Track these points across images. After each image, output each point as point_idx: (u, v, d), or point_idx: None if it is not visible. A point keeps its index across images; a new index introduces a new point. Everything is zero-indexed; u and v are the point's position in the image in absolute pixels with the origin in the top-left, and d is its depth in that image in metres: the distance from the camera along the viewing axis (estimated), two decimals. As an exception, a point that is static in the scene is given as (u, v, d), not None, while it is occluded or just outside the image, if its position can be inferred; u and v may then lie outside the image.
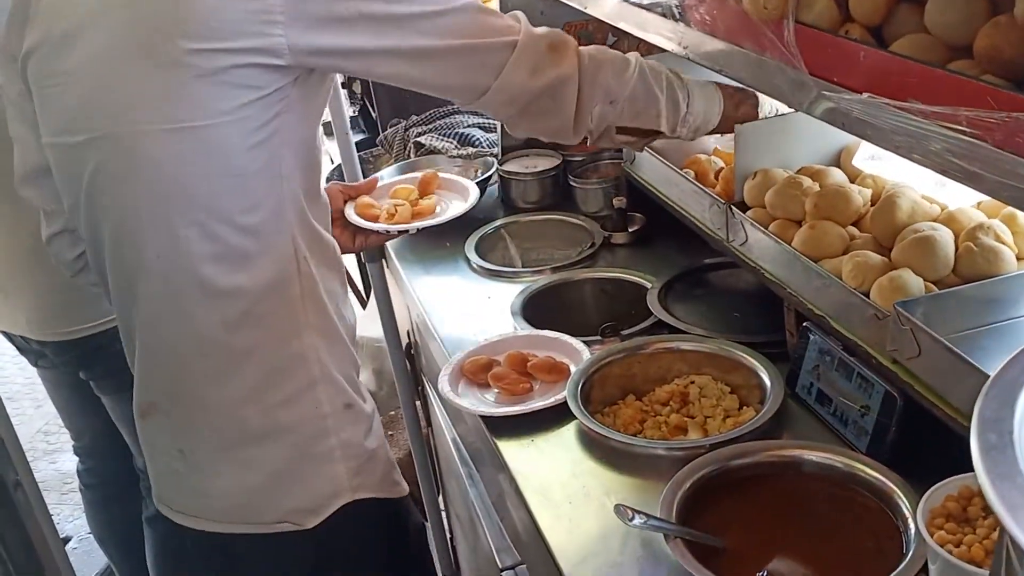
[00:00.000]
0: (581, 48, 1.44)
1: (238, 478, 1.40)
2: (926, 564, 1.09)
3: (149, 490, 2.48)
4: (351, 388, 1.45)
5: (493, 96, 1.36)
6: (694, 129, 1.56)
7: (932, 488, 1.06)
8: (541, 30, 1.40)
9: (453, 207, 1.94)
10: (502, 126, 2.43)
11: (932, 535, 1.01)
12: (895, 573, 1.12)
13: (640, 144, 1.57)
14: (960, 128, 0.93)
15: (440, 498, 2.61)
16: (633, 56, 1.48)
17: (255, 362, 1.35)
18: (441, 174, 2.06)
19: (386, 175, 2.47)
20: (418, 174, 2.01)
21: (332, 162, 2.75)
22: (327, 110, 2.51)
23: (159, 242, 1.29)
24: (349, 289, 1.57)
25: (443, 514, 2.64)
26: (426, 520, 2.69)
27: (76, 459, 2.70)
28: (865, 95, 1.06)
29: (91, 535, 2.89)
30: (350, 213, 1.78)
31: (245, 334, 1.33)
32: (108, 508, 2.65)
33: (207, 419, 1.39)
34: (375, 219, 1.78)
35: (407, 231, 1.81)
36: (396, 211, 1.81)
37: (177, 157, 1.24)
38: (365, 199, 1.80)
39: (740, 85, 1.54)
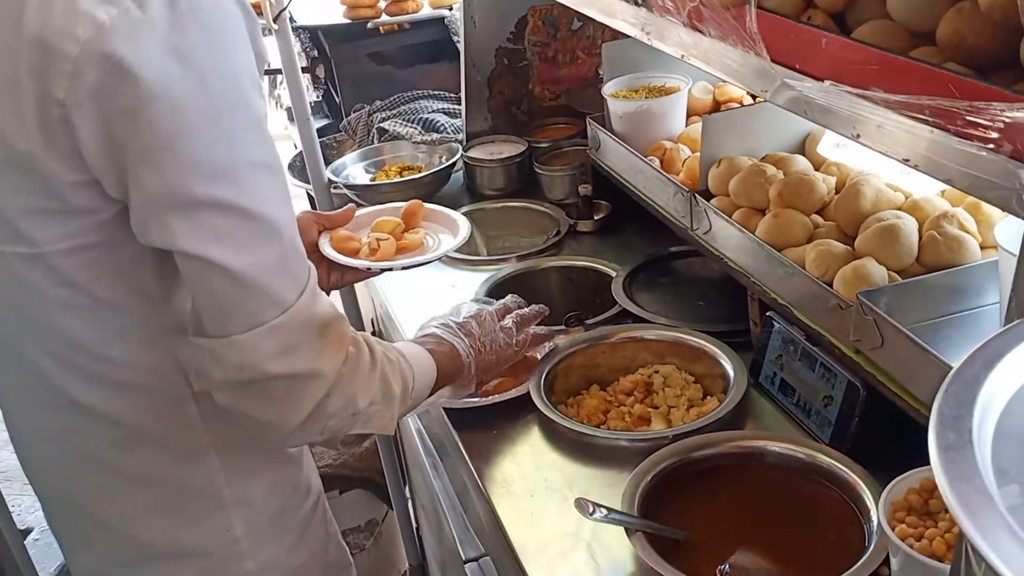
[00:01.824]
0: (353, 338, 1.14)
1: None
2: (888, 555, 1.08)
3: None
4: (280, 497, 1.26)
5: (225, 349, 1.03)
6: (409, 411, 1.30)
7: (894, 481, 1.05)
8: (321, 309, 1.09)
9: (443, 242, 1.72)
10: (466, 110, 2.41)
11: (894, 528, 1.00)
12: (857, 565, 1.12)
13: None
14: (922, 117, 0.92)
15: (406, 488, 2.59)
16: (377, 347, 1.21)
17: (151, 484, 1.18)
18: (426, 205, 1.93)
19: (348, 161, 2.44)
20: (401, 205, 1.87)
21: (296, 148, 2.71)
22: (286, 95, 2.47)
23: (16, 368, 1.14)
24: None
25: (409, 504, 2.62)
26: (391, 509, 2.67)
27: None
28: (827, 83, 1.04)
29: (52, 528, 2.85)
30: (325, 247, 1.55)
31: (138, 455, 1.16)
32: None
33: (99, 534, 1.22)
34: (355, 253, 1.57)
35: (390, 269, 1.59)
36: (379, 246, 1.67)
37: (13, 284, 1.07)
38: (342, 232, 1.58)
39: (446, 336, 1.40)
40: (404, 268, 1.61)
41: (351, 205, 1.71)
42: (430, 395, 1.34)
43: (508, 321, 1.51)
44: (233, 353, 1.03)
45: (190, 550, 1.22)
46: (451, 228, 1.79)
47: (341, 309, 2.41)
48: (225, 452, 1.19)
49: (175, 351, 1.11)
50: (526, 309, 1.57)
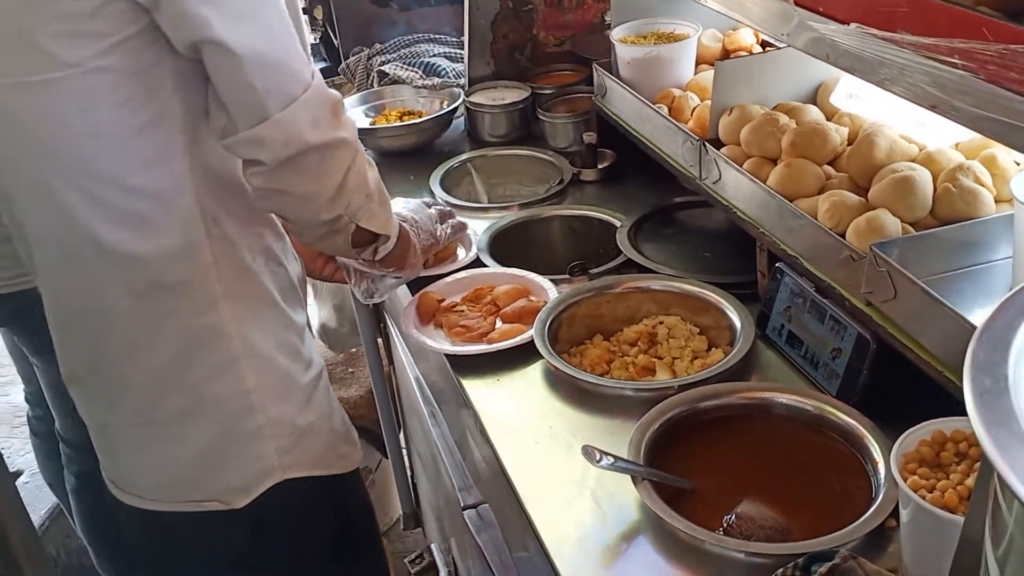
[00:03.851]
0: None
1: (163, 455, 1.32)
2: (895, 508, 1.08)
3: (69, 457, 2.40)
4: (284, 357, 1.34)
5: (268, 130, 1.14)
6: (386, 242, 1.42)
7: (906, 433, 1.04)
8: (330, 90, 1.22)
9: (459, 253, 1.79)
10: (469, 55, 2.36)
11: (906, 480, 0.99)
12: (864, 517, 1.11)
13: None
14: (951, 61, 0.90)
15: (401, 435, 2.59)
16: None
17: (168, 335, 1.25)
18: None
19: (347, 105, 2.40)
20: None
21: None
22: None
23: (44, 208, 1.18)
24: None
25: (404, 452, 2.61)
26: (386, 457, 2.67)
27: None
28: (853, 26, 1.02)
29: (43, 472, 2.83)
30: None
31: (154, 304, 1.23)
32: (56, 458, 2.57)
33: (126, 393, 1.30)
34: None
35: (384, 277, 1.53)
36: None
37: (38, 115, 1.12)
38: None
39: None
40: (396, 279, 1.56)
41: None
42: (394, 252, 1.46)
43: (439, 222, 1.70)
44: (278, 131, 1.15)
45: (207, 404, 1.29)
46: (464, 243, 1.79)
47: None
48: (234, 301, 1.27)
49: (206, 184, 1.21)
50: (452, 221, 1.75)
